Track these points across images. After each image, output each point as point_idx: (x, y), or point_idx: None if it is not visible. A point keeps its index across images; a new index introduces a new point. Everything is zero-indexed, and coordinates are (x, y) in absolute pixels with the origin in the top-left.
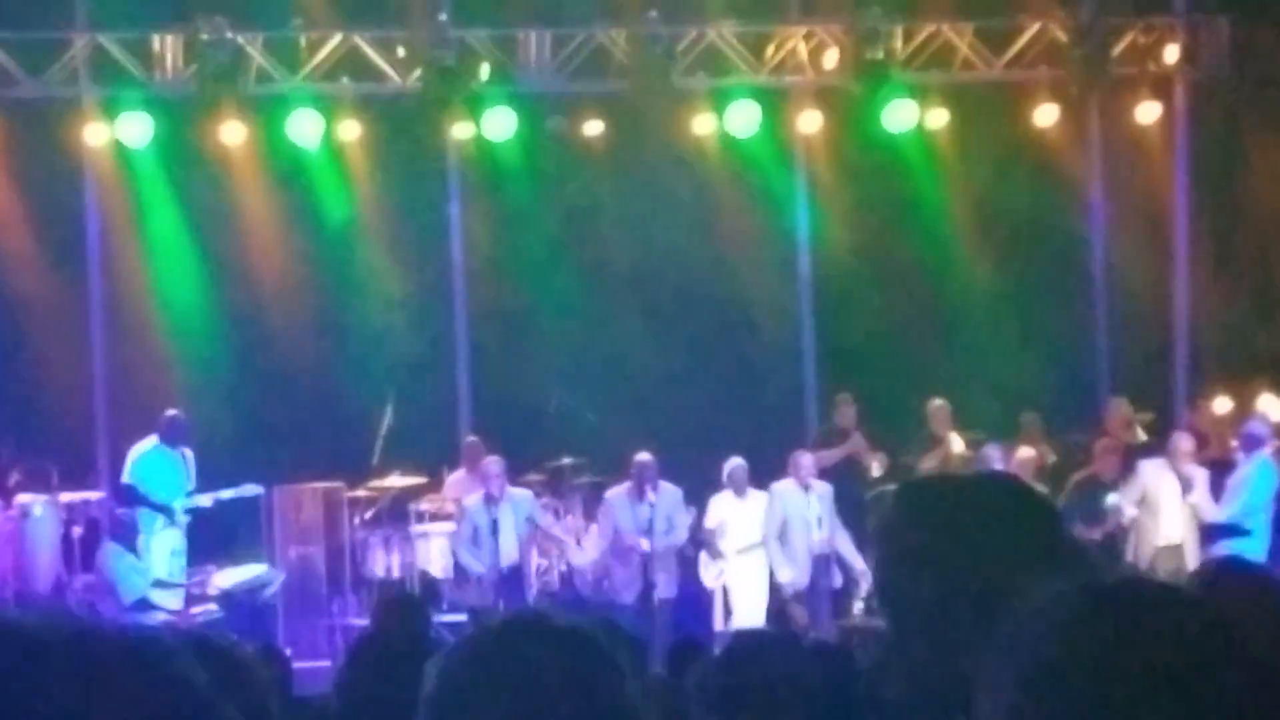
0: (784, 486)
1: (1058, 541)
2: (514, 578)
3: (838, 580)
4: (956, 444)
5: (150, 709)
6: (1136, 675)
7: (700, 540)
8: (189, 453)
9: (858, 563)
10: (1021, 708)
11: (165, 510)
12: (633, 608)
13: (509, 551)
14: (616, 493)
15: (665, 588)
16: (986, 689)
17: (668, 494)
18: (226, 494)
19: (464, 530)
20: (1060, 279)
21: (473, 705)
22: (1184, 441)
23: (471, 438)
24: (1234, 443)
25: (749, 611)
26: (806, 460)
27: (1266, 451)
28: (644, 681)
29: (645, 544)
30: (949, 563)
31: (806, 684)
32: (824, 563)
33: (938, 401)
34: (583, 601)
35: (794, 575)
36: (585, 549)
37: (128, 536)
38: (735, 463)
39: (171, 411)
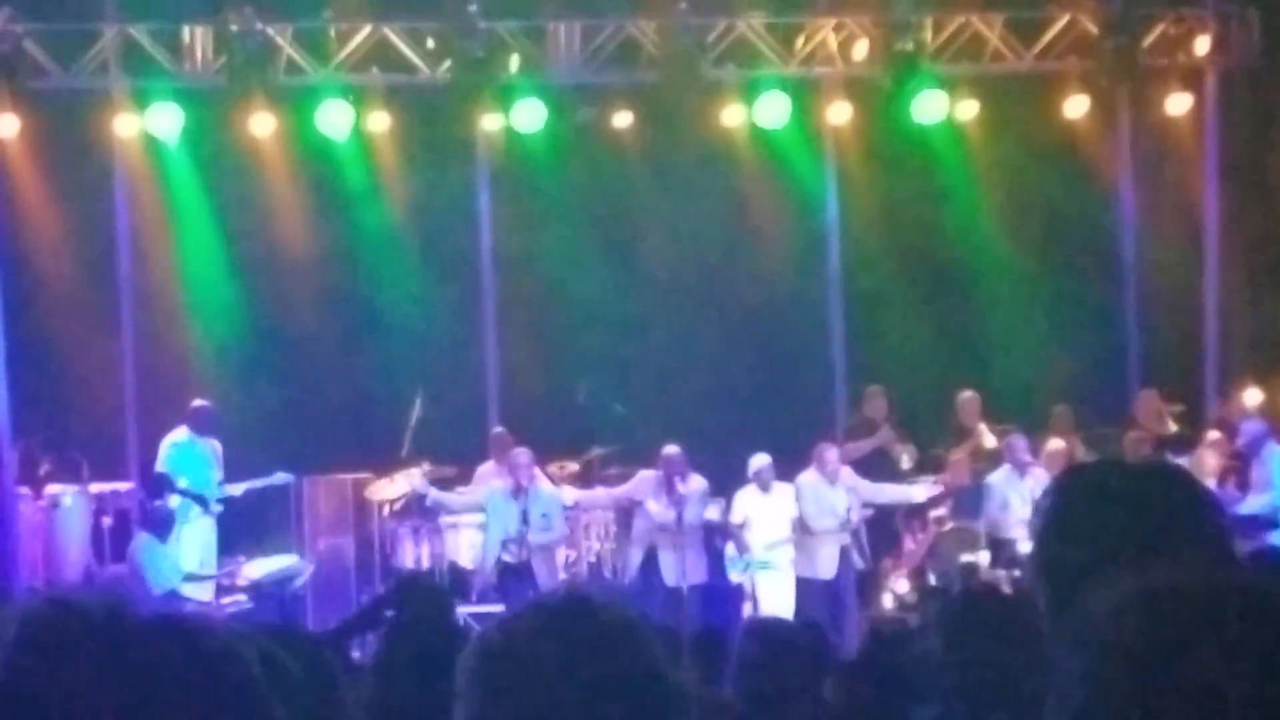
0: (808, 479)
1: (1221, 536)
2: (537, 569)
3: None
4: (987, 437)
5: (199, 691)
6: (1190, 681)
7: (727, 536)
8: (217, 445)
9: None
10: (1086, 705)
11: (200, 499)
12: (657, 598)
13: (536, 542)
14: (646, 477)
15: (695, 572)
16: (1056, 684)
17: (695, 485)
18: (257, 483)
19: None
20: (1090, 270)
21: (512, 676)
22: (1210, 458)
23: (498, 429)
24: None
25: (775, 606)
26: (831, 453)
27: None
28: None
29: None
30: (1113, 546)
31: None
32: (845, 555)
33: (967, 393)
34: (611, 591)
35: (818, 569)
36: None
37: (161, 528)
38: (762, 460)
39: (199, 402)
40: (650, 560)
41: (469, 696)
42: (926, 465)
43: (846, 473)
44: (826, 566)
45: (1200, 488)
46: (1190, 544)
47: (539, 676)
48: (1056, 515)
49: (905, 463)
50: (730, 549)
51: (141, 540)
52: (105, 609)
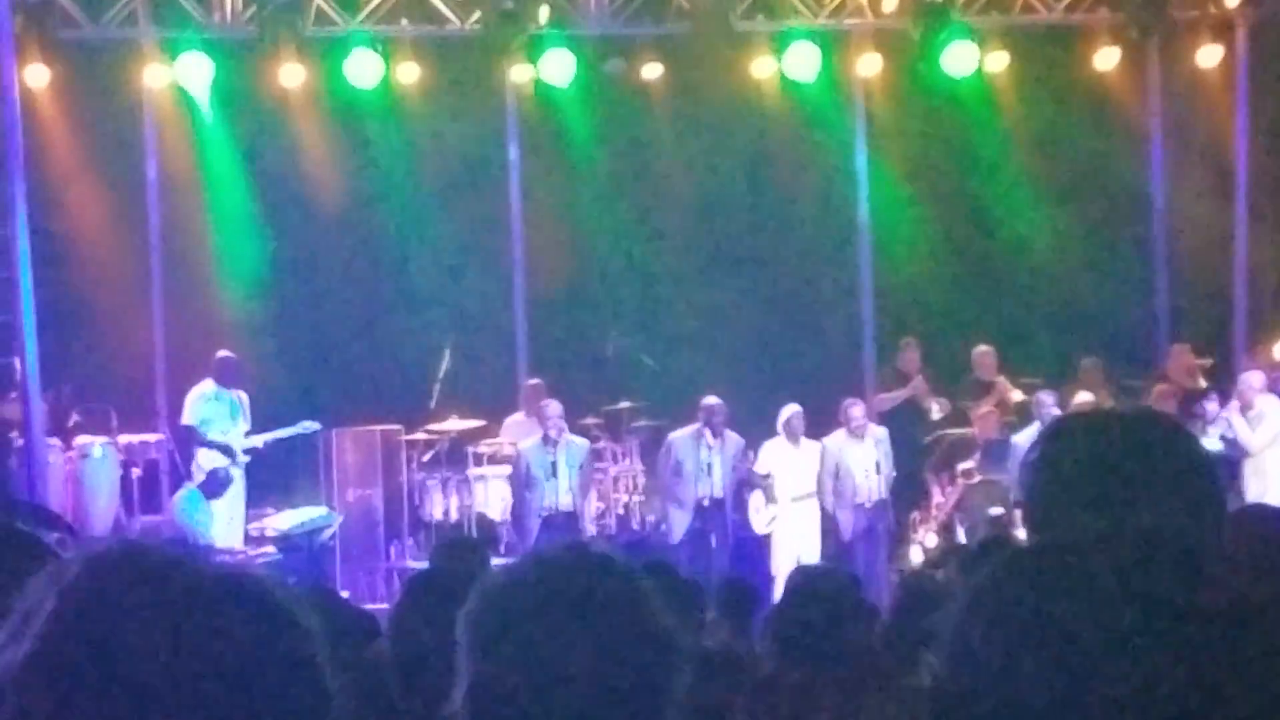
0: (835, 439)
1: (1208, 484)
2: (568, 521)
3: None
4: (1013, 391)
5: (258, 648)
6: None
7: (753, 486)
8: (244, 395)
9: None
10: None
11: (226, 450)
12: (685, 549)
13: (564, 495)
14: (682, 434)
15: (721, 531)
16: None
17: (731, 441)
18: (285, 432)
19: (518, 473)
20: (1120, 223)
21: (511, 625)
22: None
23: (533, 380)
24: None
25: (799, 559)
26: (857, 410)
27: None
28: (703, 623)
29: (706, 488)
30: (1099, 495)
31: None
32: (880, 509)
33: (983, 347)
34: (639, 544)
35: (842, 528)
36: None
37: (214, 488)
38: (792, 410)
39: (223, 353)
40: (680, 512)
41: (470, 647)
42: (956, 418)
43: (874, 427)
44: (849, 527)
45: (1189, 436)
46: (1177, 492)
47: (537, 627)
48: (1044, 465)
49: (935, 413)
50: (755, 499)
51: (186, 493)
52: (171, 560)
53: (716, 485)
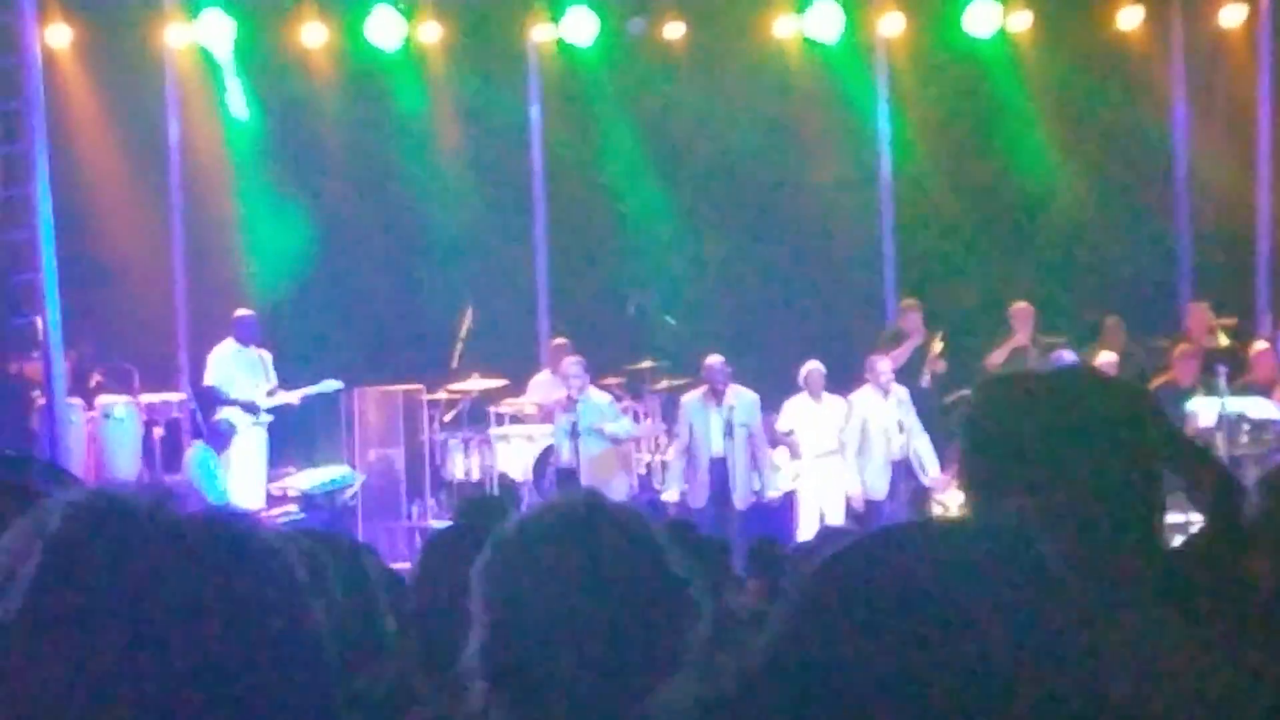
0: (863, 394)
1: (1143, 430)
2: (574, 477)
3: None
4: (1024, 347)
5: (240, 589)
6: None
7: (776, 443)
8: (266, 354)
9: (933, 468)
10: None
11: (250, 407)
12: (708, 512)
13: (586, 453)
14: (691, 396)
15: (742, 492)
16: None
17: (744, 398)
18: (308, 390)
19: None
20: (1143, 183)
21: (524, 576)
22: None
23: (559, 340)
24: None
25: (823, 516)
26: (884, 365)
27: None
28: (729, 579)
29: (719, 447)
30: (1027, 456)
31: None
32: (902, 467)
33: (1021, 304)
34: (659, 505)
35: (868, 487)
36: (666, 453)
37: (219, 441)
38: (812, 366)
39: (242, 311)
40: (695, 473)
41: (484, 598)
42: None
43: (897, 386)
44: (878, 485)
45: (1120, 392)
46: (1109, 450)
47: (549, 577)
48: (972, 427)
49: (924, 380)
50: (778, 456)
51: (197, 451)
52: (150, 504)
53: (727, 444)
